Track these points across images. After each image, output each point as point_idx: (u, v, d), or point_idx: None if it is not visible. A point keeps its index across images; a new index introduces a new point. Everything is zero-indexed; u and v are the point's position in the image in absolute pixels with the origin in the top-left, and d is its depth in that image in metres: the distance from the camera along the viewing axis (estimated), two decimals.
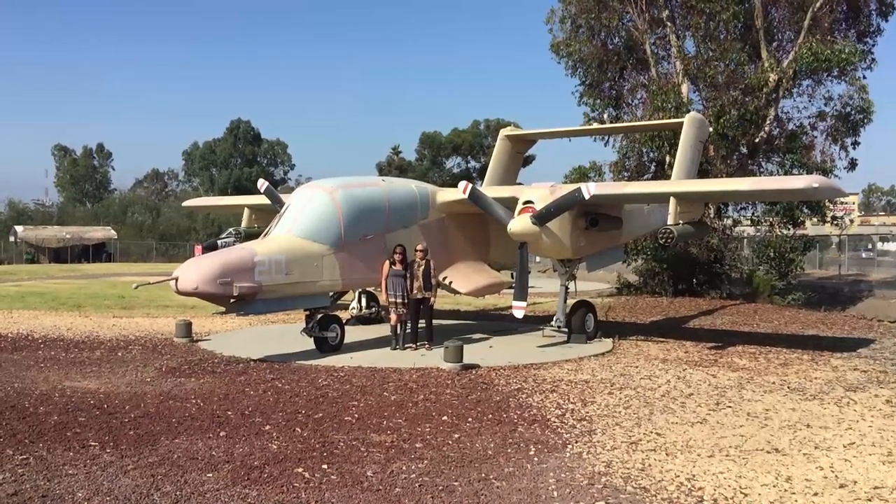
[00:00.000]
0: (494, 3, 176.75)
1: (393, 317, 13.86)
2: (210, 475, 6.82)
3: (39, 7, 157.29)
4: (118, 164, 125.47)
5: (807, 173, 24.11)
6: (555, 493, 6.50)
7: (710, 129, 21.82)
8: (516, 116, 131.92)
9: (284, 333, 15.62)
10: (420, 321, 14.15)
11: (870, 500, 6.48)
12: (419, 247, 13.93)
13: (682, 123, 18.72)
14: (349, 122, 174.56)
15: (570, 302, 15.84)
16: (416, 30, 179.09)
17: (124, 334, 16.06)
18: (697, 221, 15.44)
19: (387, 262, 13.70)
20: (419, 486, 6.63)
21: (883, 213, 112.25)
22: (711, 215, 25.38)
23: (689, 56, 26.71)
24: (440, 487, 6.59)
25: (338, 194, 13.82)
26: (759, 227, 28.16)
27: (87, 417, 8.81)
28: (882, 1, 27.00)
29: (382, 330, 15.43)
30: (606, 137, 27.72)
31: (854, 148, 26.86)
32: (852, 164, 27.12)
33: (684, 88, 26.00)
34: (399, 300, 13.62)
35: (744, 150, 26.31)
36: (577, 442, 8.11)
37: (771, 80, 25.06)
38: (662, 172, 25.38)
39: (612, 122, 27.42)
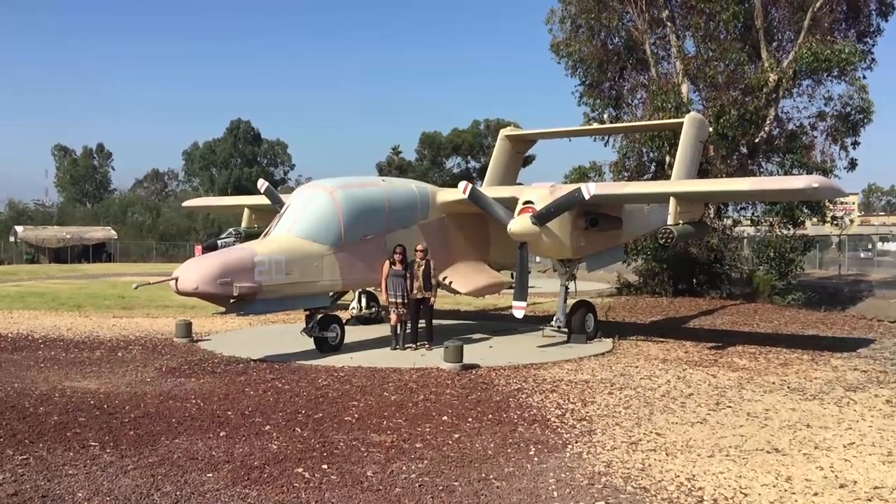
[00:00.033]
0: (494, 3, 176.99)
1: (393, 317, 13.86)
2: (210, 475, 6.82)
3: (39, 7, 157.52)
4: (118, 164, 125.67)
5: (807, 173, 24.12)
6: (555, 493, 6.50)
7: (710, 129, 21.83)
8: (516, 116, 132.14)
9: (284, 333, 15.62)
10: (420, 321, 14.15)
11: (870, 500, 6.48)
12: (419, 247, 13.93)
13: (682, 123, 18.72)
14: (349, 122, 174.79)
15: (570, 302, 15.84)
16: (416, 30, 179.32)
17: (124, 334, 16.07)
18: (697, 221, 15.45)
19: (387, 262, 13.70)
20: (419, 486, 6.63)
21: (883, 213, 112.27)
22: (711, 215, 25.38)
23: (689, 56, 26.71)
24: (440, 487, 6.59)
25: (338, 194, 13.82)
26: (759, 227, 28.17)
27: (87, 417, 8.81)
28: (882, 1, 27.01)
29: (382, 330, 15.43)
30: (606, 137, 27.72)
31: (854, 148, 26.92)
32: (852, 164, 27.16)
33: (684, 88, 26.01)
34: (399, 300, 13.62)
35: (744, 150, 26.32)
36: (577, 442, 8.11)
37: (771, 80, 25.06)
38: (662, 172, 25.38)
39: (612, 122, 27.42)
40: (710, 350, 14.65)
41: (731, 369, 12.65)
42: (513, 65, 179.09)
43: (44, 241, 59.38)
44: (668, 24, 26.57)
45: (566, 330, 15.20)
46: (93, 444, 7.75)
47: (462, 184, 14.69)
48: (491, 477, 6.90)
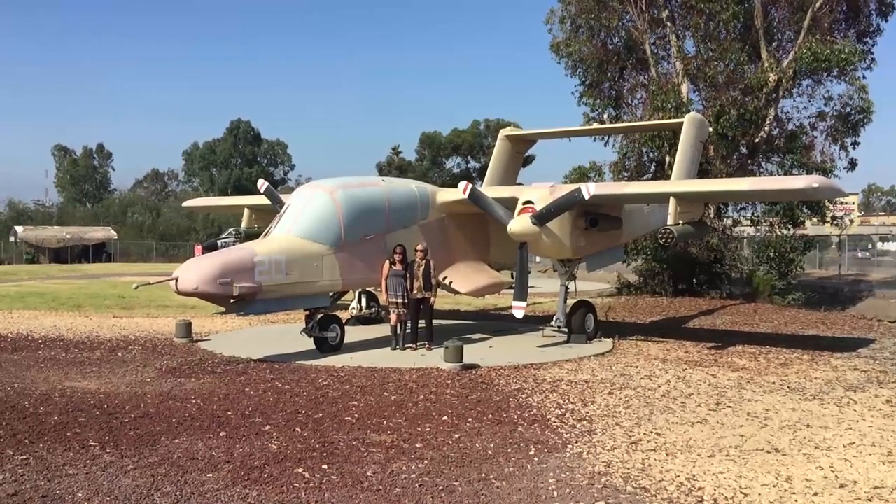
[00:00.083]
0: (494, 3, 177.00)
1: (393, 317, 13.86)
2: (210, 475, 6.83)
3: (39, 7, 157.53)
4: (118, 164, 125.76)
5: (807, 173, 24.12)
6: (555, 493, 6.50)
7: (710, 129, 21.83)
8: (516, 116, 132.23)
9: (284, 333, 15.62)
10: (420, 321, 14.15)
11: (870, 500, 6.48)
12: (419, 247, 13.93)
13: (682, 123, 18.72)
14: (349, 122, 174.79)
15: (570, 302, 15.84)
16: (416, 30, 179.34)
17: (124, 334, 16.07)
18: (697, 221, 15.45)
19: (387, 262, 13.70)
20: (419, 486, 6.63)
21: (883, 213, 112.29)
22: (711, 215, 25.38)
23: (689, 56, 26.72)
24: (440, 487, 6.59)
25: (338, 194, 13.82)
26: (759, 227, 28.17)
27: (87, 417, 8.81)
28: (882, 1, 27.01)
29: (382, 330, 15.43)
30: (606, 137, 27.72)
31: (854, 148, 26.92)
32: (852, 164, 27.17)
33: (684, 88, 26.01)
34: (399, 300, 13.62)
35: (744, 150, 26.32)
36: (577, 442, 8.11)
37: (771, 80, 25.06)
38: (662, 172, 25.38)
39: (612, 122, 27.42)
40: (710, 350, 14.65)
41: (731, 369, 12.65)
42: (513, 65, 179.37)
43: (44, 241, 59.38)
44: (668, 24, 26.57)
45: (566, 330, 15.20)
46: (93, 444, 7.75)
47: (462, 184, 14.69)
48: (491, 477, 6.90)
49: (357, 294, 17.54)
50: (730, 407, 9.85)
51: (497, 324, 18.32)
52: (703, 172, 21.91)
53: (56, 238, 59.72)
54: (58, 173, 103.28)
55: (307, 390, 10.42)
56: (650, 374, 12.04)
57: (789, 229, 26.78)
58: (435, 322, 14.68)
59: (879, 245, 61.26)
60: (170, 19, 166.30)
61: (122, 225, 68.85)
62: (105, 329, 16.99)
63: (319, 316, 13.55)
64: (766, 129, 25.90)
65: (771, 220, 26.99)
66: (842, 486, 6.80)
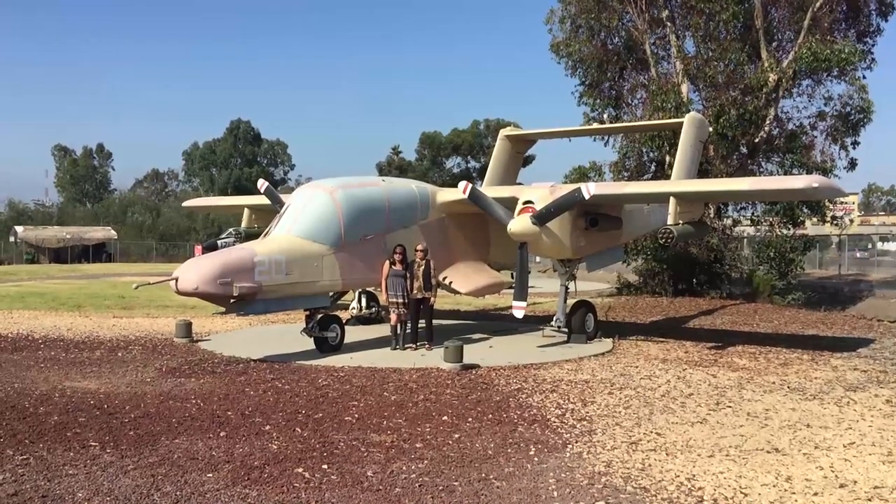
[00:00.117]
0: (494, 3, 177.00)
1: (393, 317, 13.86)
2: (210, 475, 6.83)
3: (39, 7, 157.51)
4: (118, 164, 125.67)
5: (807, 173, 24.12)
6: (555, 493, 6.50)
7: (710, 129, 21.83)
8: (516, 116, 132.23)
9: (284, 333, 15.62)
10: (420, 321, 14.15)
11: (870, 500, 6.48)
12: (419, 247, 13.93)
13: (682, 123, 18.72)
14: (349, 122, 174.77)
15: (570, 302, 15.84)
16: (416, 30, 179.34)
17: (124, 334, 16.07)
18: (697, 221, 15.44)
19: (387, 262, 13.70)
20: (419, 486, 6.63)
21: (883, 213, 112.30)
22: (711, 215, 25.38)
23: (689, 56, 26.72)
24: (440, 487, 6.59)
25: (338, 194, 13.82)
26: (759, 227, 28.17)
27: (87, 417, 8.81)
28: (882, 1, 27.01)
29: (382, 330, 15.43)
30: (606, 137, 27.73)
31: (854, 148, 26.93)
32: (852, 164, 27.17)
33: (684, 88, 26.02)
34: (399, 300, 13.62)
35: (744, 150, 26.32)
36: (577, 442, 8.11)
37: (771, 80, 25.06)
38: (662, 172, 25.38)
39: (612, 122, 27.42)
40: (710, 350, 14.65)
41: (731, 369, 12.65)
42: (513, 65, 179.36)
43: (44, 241, 59.37)
44: (668, 24, 26.58)
45: (566, 330, 15.20)
46: (93, 444, 7.75)
47: (462, 184, 14.69)
48: (491, 477, 6.90)
49: (357, 294, 17.54)
50: (730, 407, 9.85)
51: (497, 324, 18.32)
52: (703, 172, 21.91)
53: (56, 238, 59.72)
54: (58, 173, 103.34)
55: (307, 390, 10.42)
56: (650, 374, 12.04)
57: (789, 229, 26.78)
58: (435, 322, 14.68)
59: (879, 245, 61.31)
60: (170, 19, 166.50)
61: (122, 225, 68.85)
62: (105, 329, 16.99)
63: (319, 316, 13.55)
64: (766, 129, 25.91)
65: (771, 220, 26.99)
66: (842, 485, 6.80)
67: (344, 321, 14.41)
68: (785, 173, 25.45)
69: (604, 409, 9.67)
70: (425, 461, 7.33)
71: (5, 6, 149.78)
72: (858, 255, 54.87)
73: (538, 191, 14.40)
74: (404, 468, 7.10)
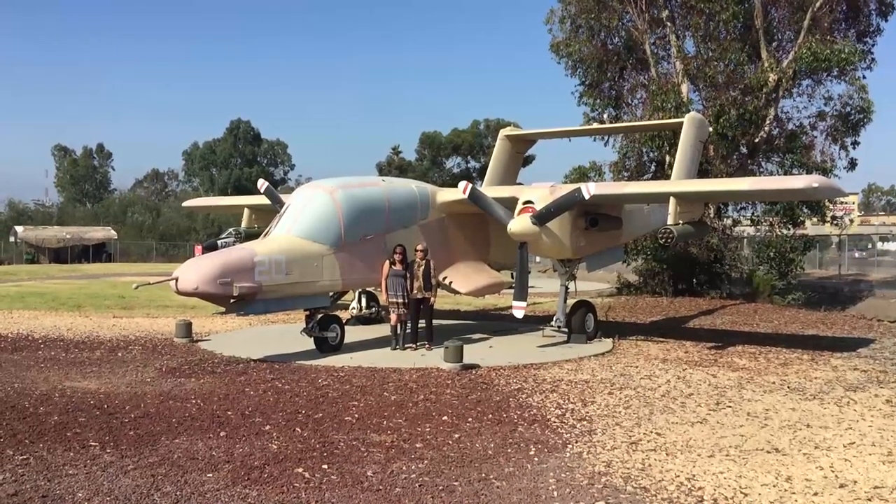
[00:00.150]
0: (494, 3, 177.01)
1: (393, 317, 13.86)
2: (210, 475, 6.83)
3: (39, 7, 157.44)
4: (118, 164, 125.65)
5: (807, 173, 24.12)
6: (555, 493, 6.50)
7: (710, 129, 21.83)
8: (516, 116, 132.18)
9: (284, 333, 15.62)
10: (420, 321, 14.15)
11: (870, 500, 6.48)
12: (419, 247, 13.93)
13: (681, 123, 18.72)
14: (349, 122, 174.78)
15: (570, 302, 15.84)
16: (416, 30, 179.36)
17: (124, 334, 16.07)
18: (697, 221, 15.44)
19: (387, 262, 13.70)
20: (419, 486, 6.63)
21: (883, 213, 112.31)
22: (711, 215, 25.39)
23: (689, 56, 26.72)
24: (440, 487, 6.59)
25: (338, 194, 13.82)
26: (759, 227, 28.18)
27: (87, 417, 8.81)
28: (882, 1, 27.02)
29: (382, 330, 15.43)
30: (606, 137, 27.73)
31: (854, 148, 26.94)
32: (852, 164, 27.18)
33: (684, 88, 26.02)
34: (399, 300, 13.62)
35: (744, 150, 26.32)
36: (577, 442, 8.11)
37: (771, 79, 25.06)
38: (662, 172, 25.38)
39: (612, 122, 27.42)
40: (710, 350, 14.65)
41: (731, 369, 12.65)
42: (513, 65, 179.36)
43: (44, 241, 59.37)
44: (668, 24, 26.58)
45: (566, 330, 15.20)
46: (93, 444, 7.75)
47: (462, 184, 14.69)
48: (491, 477, 6.90)
49: (357, 294, 17.54)
50: (730, 407, 9.85)
51: (497, 324, 18.32)
52: (703, 172, 21.91)
53: (56, 238, 59.72)
54: (58, 173, 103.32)
55: (307, 390, 10.42)
56: (650, 374, 12.04)
57: (789, 229, 26.79)
58: (435, 322, 14.68)
59: (879, 245, 61.32)
60: (170, 19, 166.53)
61: (122, 225, 68.85)
62: (105, 329, 16.99)
63: (319, 316, 13.55)
64: (766, 129, 25.91)
65: (771, 219, 27.00)
66: (842, 485, 6.80)
67: (344, 321, 14.41)
68: (785, 173, 25.45)
69: (604, 409, 9.67)
70: (425, 461, 7.33)
71: (5, 6, 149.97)
72: (858, 255, 54.88)
73: (538, 191, 14.40)
74: (404, 468, 7.10)
